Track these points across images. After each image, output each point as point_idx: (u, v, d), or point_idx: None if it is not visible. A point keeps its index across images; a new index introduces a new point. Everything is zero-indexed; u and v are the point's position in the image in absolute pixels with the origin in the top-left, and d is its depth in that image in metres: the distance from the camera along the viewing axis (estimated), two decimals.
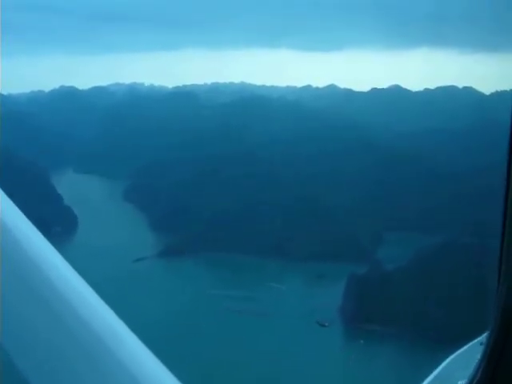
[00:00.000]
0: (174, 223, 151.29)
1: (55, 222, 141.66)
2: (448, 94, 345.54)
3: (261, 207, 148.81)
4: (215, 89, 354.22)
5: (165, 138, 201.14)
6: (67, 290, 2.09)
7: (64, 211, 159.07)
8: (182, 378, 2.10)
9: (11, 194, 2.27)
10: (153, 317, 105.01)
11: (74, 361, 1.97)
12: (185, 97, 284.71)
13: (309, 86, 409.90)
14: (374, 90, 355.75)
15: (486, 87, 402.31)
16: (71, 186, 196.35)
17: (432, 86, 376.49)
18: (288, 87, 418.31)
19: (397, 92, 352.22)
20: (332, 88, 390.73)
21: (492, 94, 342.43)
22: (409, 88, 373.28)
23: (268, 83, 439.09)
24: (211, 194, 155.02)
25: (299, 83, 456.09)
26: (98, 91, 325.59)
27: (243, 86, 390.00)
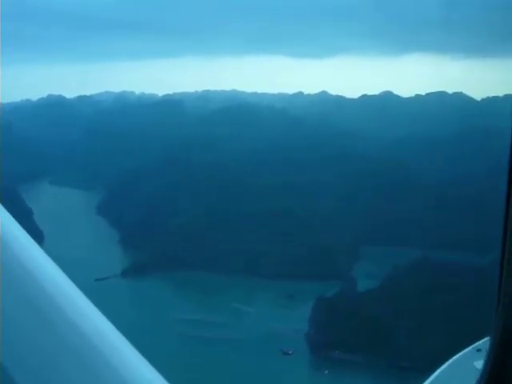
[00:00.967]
0: (142, 239, 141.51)
1: None
2: (438, 100, 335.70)
3: (232, 221, 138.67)
4: (204, 97, 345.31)
5: (143, 149, 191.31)
6: (65, 302, 2.05)
7: (31, 226, 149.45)
8: None
9: None
10: None
11: (71, 370, 1.93)
12: (171, 105, 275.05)
13: (300, 93, 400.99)
14: (365, 97, 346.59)
15: (477, 93, 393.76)
16: (44, 198, 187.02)
17: (423, 92, 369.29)
18: (279, 94, 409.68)
19: (388, 98, 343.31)
20: (323, 95, 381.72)
21: (483, 100, 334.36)
22: (400, 94, 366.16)
23: (260, 90, 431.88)
24: (182, 207, 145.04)
25: (291, 90, 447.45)
26: (85, 100, 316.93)
27: (234, 94, 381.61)
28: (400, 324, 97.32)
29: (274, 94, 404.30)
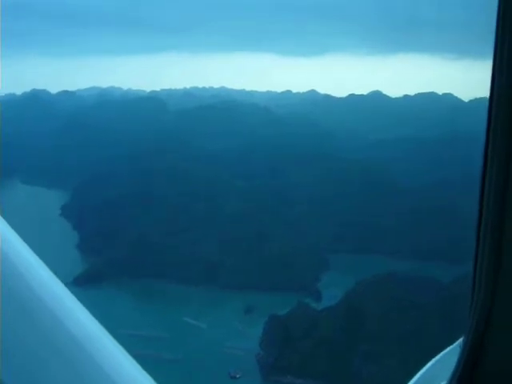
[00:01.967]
0: (100, 244, 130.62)
1: None
2: (427, 100, 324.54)
3: (192, 227, 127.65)
4: (191, 93, 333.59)
5: (112, 147, 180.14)
6: (55, 305, 2.02)
7: None
8: None
9: None
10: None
11: (59, 371, 1.89)
12: (153, 102, 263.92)
13: (288, 92, 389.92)
14: (352, 97, 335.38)
15: (466, 94, 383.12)
16: (11, 196, 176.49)
17: (412, 92, 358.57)
18: (268, 92, 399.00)
19: (376, 98, 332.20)
20: (312, 94, 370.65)
21: (471, 101, 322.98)
22: (389, 94, 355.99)
23: (248, 88, 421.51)
24: (142, 210, 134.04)
25: (280, 88, 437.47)
26: (67, 95, 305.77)
27: (222, 91, 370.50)
28: (359, 347, 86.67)
29: (262, 92, 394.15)
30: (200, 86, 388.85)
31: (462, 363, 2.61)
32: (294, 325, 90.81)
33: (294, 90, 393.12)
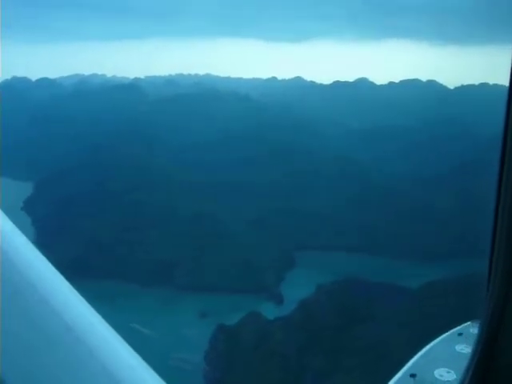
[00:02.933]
0: (55, 241, 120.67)
1: None
2: (411, 87, 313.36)
3: (147, 224, 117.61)
4: (172, 81, 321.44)
5: (82, 139, 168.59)
6: (58, 302, 1.98)
7: None
8: None
9: None
10: None
11: (60, 366, 1.85)
12: (131, 90, 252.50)
13: (274, 78, 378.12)
14: (337, 83, 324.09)
15: (451, 81, 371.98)
16: None
17: (397, 79, 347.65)
18: (254, 79, 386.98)
19: (361, 85, 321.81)
20: (297, 80, 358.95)
21: (456, 88, 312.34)
22: (374, 81, 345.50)
23: (234, 75, 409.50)
24: (97, 208, 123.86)
25: (266, 75, 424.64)
26: (47, 83, 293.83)
27: (207, 78, 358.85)
28: (313, 362, 77.19)
29: (247, 79, 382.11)
30: (185, 72, 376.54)
31: (476, 358, 2.54)
32: (244, 336, 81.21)
33: (280, 77, 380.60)
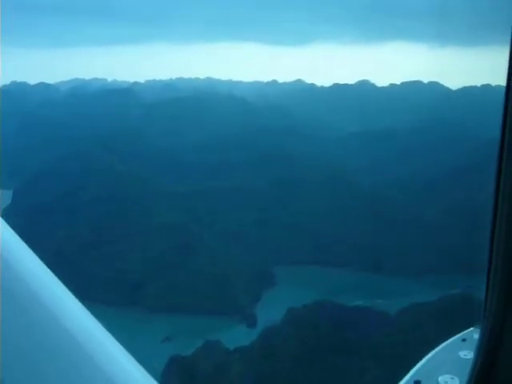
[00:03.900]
0: None
1: None
2: (413, 89, 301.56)
3: (114, 238, 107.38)
4: (171, 85, 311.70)
5: (65, 145, 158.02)
6: (56, 307, 1.95)
7: None
8: None
9: None
10: None
11: (57, 370, 1.81)
12: (126, 95, 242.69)
13: (274, 82, 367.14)
14: (337, 86, 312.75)
15: (454, 82, 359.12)
16: None
17: (398, 81, 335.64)
18: (254, 83, 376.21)
19: (361, 87, 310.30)
20: (298, 84, 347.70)
21: (458, 90, 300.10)
22: (376, 83, 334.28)
23: (235, 78, 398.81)
24: (69, 219, 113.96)
25: (267, 78, 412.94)
26: (44, 89, 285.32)
27: (207, 82, 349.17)
28: None
29: (248, 83, 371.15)
30: (186, 76, 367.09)
31: (477, 367, 2.51)
32: (198, 369, 70.64)
33: (281, 80, 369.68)
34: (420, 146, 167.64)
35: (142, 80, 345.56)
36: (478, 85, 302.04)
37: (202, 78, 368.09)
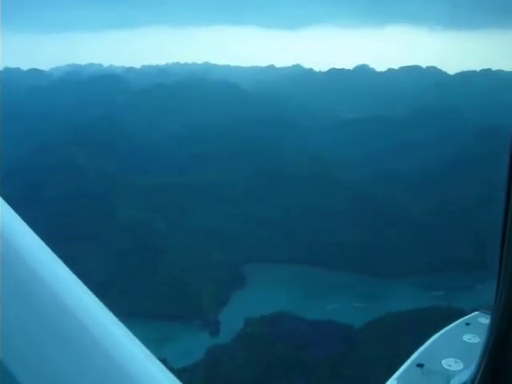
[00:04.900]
0: None
1: None
2: (410, 74, 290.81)
3: (77, 239, 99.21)
4: (165, 70, 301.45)
5: (37, 137, 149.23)
6: (66, 296, 1.90)
7: None
8: None
9: None
10: None
11: (68, 361, 1.76)
12: (113, 81, 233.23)
13: (272, 66, 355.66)
14: (334, 71, 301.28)
15: (453, 66, 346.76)
16: None
17: (396, 65, 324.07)
18: (252, 67, 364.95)
19: (359, 72, 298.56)
20: (296, 68, 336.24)
21: (456, 75, 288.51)
22: (375, 68, 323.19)
23: (233, 63, 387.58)
24: (28, 216, 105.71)
25: (265, 63, 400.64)
26: (36, 74, 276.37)
27: (204, 67, 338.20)
28: None
29: (246, 67, 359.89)
30: (182, 61, 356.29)
31: (488, 349, 2.47)
32: None
33: (279, 65, 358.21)
34: (413, 134, 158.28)
35: (138, 65, 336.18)
36: (478, 69, 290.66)
37: (199, 62, 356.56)
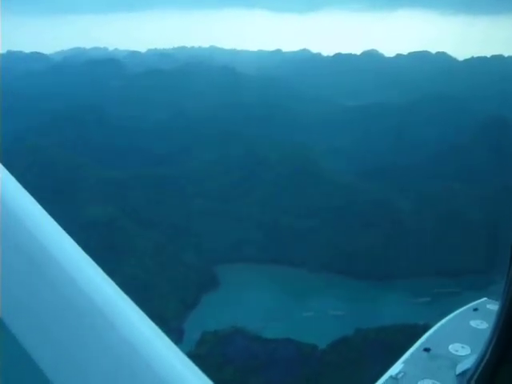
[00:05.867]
0: None
1: None
2: (419, 60, 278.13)
3: None
4: (167, 54, 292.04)
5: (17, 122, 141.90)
6: (71, 266, 1.85)
7: None
8: None
9: None
10: None
11: (79, 337, 1.72)
12: (111, 65, 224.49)
13: (278, 51, 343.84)
14: (340, 56, 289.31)
15: (462, 52, 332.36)
16: None
17: (405, 51, 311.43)
18: (259, 51, 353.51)
19: (367, 57, 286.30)
20: (303, 53, 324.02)
21: (466, 61, 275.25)
22: (384, 53, 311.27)
23: (240, 47, 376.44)
24: None
25: (272, 47, 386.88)
26: (37, 57, 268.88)
27: (209, 51, 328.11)
28: None
29: (252, 52, 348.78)
30: (189, 45, 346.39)
31: (496, 335, 2.45)
32: None
33: (286, 49, 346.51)
34: (411, 123, 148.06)
35: (143, 49, 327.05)
36: (488, 55, 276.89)
37: (205, 46, 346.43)
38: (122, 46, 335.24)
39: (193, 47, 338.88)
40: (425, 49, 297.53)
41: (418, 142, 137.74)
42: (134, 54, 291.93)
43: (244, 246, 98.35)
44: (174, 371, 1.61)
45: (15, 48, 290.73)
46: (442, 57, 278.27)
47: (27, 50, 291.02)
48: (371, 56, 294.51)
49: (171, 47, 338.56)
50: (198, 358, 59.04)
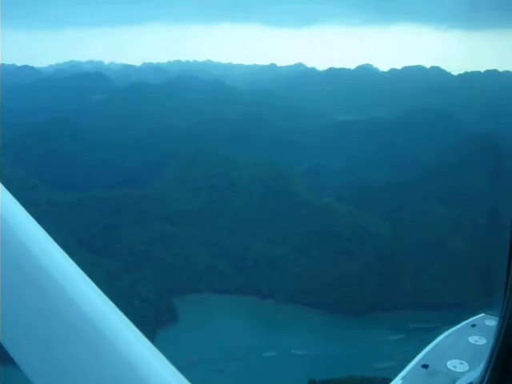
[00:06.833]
0: None
1: None
2: (413, 74, 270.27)
3: None
4: (157, 68, 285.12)
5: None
6: (66, 282, 1.84)
7: None
8: None
9: None
10: None
11: (71, 350, 1.70)
12: (100, 78, 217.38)
13: (273, 65, 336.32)
14: (333, 71, 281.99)
15: (456, 67, 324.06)
16: None
17: (399, 65, 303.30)
18: (254, 66, 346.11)
19: (360, 72, 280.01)
20: (298, 67, 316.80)
21: (459, 76, 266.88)
22: (378, 67, 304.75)
23: (235, 61, 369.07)
24: None
25: (267, 61, 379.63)
26: (27, 71, 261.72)
27: (205, 65, 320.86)
28: None
29: (248, 66, 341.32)
30: (184, 59, 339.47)
31: (496, 351, 2.41)
32: None
33: (281, 64, 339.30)
34: (398, 140, 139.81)
35: (139, 63, 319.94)
36: (482, 70, 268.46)
37: (200, 60, 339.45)
38: (118, 60, 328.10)
39: (188, 61, 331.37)
40: (419, 63, 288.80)
41: (405, 160, 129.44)
42: (126, 68, 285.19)
43: (209, 274, 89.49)
44: (162, 379, 1.61)
45: (8, 62, 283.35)
46: (437, 71, 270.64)
47: (20, 63, 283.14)
48: (365, 70, 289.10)
49: (166, 61, 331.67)
50: None
